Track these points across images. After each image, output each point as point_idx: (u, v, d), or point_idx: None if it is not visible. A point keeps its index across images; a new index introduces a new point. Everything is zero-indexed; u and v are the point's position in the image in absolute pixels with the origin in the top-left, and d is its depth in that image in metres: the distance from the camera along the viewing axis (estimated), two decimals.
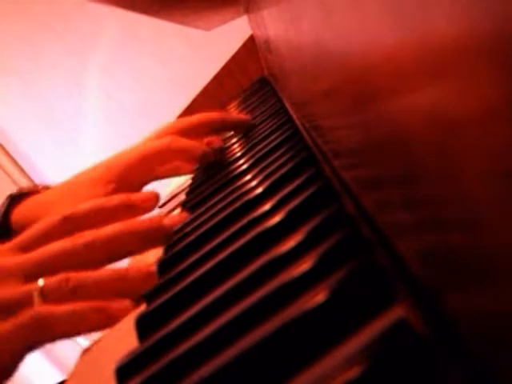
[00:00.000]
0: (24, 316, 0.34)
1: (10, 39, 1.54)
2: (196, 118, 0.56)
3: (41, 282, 0.36)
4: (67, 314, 0.34)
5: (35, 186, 0.54)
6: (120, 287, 0.36)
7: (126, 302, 0.36)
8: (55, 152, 1.64)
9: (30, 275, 0.37)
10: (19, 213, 0.50)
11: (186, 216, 0.41)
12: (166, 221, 0.40)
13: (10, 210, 0.51)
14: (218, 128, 0.58)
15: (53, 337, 0.35)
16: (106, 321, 0.35)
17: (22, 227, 0.43)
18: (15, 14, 1.51)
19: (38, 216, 0.43)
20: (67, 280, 0.36)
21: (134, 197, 0.43)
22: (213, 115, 0.57)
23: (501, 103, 0.09)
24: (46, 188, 0.54)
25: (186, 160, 0.51)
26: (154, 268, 0.36)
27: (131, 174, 0.50)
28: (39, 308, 0.35)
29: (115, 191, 0.49)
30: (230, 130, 0.59)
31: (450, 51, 0.10)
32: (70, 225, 0.40)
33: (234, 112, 0.66)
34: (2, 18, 1.52)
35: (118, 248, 0.39)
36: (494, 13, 0.08)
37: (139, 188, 0.52)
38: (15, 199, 0.51)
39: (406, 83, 0.14)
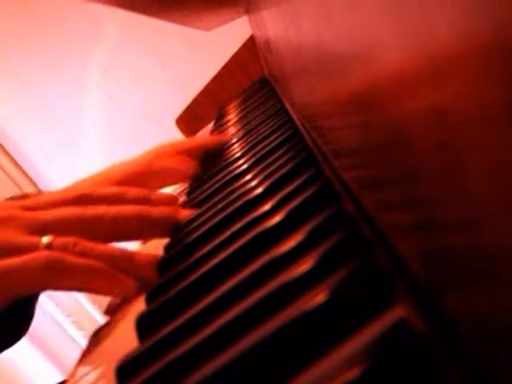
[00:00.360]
0: (38, 255, 0.34)
1: (10, 39, 1.54)
2: (194, 142, 0.56)
3: (46, 239, 0.35)
4: (81, 264, 0.34)
5: (40, 192, 0.54)
6: (125, 267, 0.36)
7: (131, 280, 0.35)
8: (55, 152, 1.64)
9: (37, 231, 0.36)
10: None
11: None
12: (179, 214, 0.40)
13: None
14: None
15: (60, 284, 0.34)
16: (112, 285, 0.35)
17: None
18: (15, 14, 1.51)
19: None
20: (75, 244, 0.35)
21: (155, 195, 0.43)
22: (211, 139, 0.58)
23: (500, 104, 0.09)
24: None
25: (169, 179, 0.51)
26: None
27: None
28: (55, 252, 0.34)
29: None
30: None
31: (450, 52, 0.10)
32: (85, 203, 0.40)
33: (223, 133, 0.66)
34: (2, 18, 1.52)
35: (125, 228, 0.39)
36: (494, 16, 0.08)
37: None
38: None
39: (406, 83, 0.14)
